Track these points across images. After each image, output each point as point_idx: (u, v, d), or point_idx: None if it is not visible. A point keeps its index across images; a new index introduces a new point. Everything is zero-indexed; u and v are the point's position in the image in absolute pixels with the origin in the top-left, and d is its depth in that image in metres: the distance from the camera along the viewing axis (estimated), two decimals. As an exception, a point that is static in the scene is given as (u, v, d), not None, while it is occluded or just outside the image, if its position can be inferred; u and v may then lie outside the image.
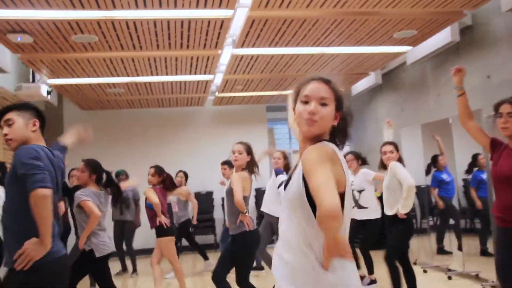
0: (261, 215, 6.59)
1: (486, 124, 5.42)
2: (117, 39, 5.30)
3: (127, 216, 7.15)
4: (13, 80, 7.04)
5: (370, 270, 5.51)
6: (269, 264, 5.49)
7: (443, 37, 5.94)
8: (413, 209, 4.71)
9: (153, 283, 5.25)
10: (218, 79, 7.75)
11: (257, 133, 9.93)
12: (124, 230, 7.18)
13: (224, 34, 5.36)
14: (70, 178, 6.46)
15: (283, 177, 5.19)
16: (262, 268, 6.57)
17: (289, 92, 7.77)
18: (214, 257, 4.18)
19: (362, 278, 5.54)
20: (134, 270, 7.24)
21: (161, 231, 5.14)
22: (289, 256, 1.57)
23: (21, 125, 2.51)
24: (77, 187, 4.52)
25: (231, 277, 3.96)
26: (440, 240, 6.75)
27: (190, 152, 9.62)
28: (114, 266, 7.32)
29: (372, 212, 5.46)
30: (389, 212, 4.45)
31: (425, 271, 6.30)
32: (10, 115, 2.52)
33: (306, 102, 1.64)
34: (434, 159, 6.58)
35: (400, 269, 4.40)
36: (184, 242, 9.14)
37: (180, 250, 7.56)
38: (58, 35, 5.04)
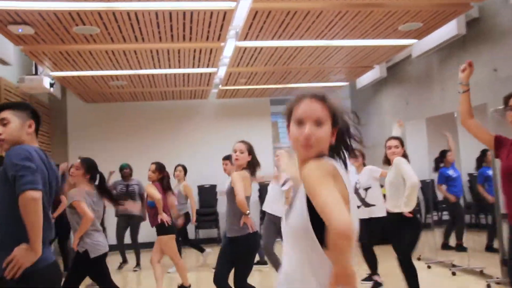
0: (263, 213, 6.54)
1: (492, 118, 5.34)
2: (119, 31, 5.25)
3: (132, 211, 7.13)
4: (16, 72, 7.02)
5: (374, 270, 5.35)
6: (276, 265, 5.39)
7: (449, 29, 5.85)
8: (417, 204, 4.62)
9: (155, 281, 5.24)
10: (221, 72, 7.70)
11: (261, 126, 9.89)
12: (129, 224, 7.17)
13: (227, 26, 5.30)
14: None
15: (286, 174, 5.12)
16: (265, 263, 6.54)
17: (293, 85, 7.71)
18: (217, 252, 4.12)
19: (367, 278, 5.47)
20: (138, 264, 7.23)
21: (162, 229, 5.12)
22: None
23: (17, 125, 2.38)
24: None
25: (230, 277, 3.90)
26: (459, 237, 6.56)
27: (194, 145, 9.59)
28: (115, 259, 7.34)
29: (378, 210, 5.26)
30: (394, 209, 4.34)
31: (429, 267, 6.25)
32: (6, 114, 2.38)
33: (300, 124, 1.54)
34: (442, 155, 6.48)
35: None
36: (189, 235, 9.17)
37: (192, 244, 7.57)
38: (59, 26, 5.00)
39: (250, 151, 3.87)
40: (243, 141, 3.89)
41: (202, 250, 7.40)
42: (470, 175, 6.34)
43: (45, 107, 8.59)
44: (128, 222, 7.16)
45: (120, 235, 7.17)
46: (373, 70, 8.07)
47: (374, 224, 5.24)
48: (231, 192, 3.81)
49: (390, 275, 5.33)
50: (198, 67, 6.99)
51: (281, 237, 1.68)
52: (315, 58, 6.83)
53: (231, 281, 3.86)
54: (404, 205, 4.20)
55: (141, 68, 6.91)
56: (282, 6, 4.79)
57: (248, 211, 3.73)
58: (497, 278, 5.19)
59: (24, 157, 2.23)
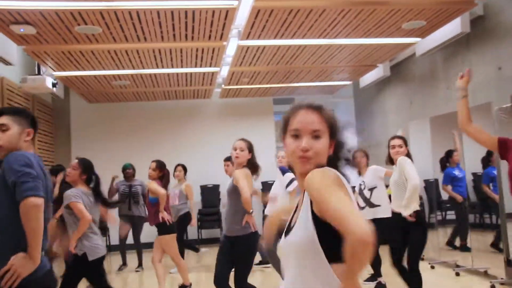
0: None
1: (497, 117, 5.30)
2: (121, 30, 5.24)
3: (135, 212, 7.10)
4: (19, 72, 7.03)
5: (378, 271, 5.29)
6: (278, 269, 5.33)
7: (453, 28, 5.81)
8: (421, 204, 4.56)
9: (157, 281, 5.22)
10: (224, 71, 7.68)
11: (264, 125, 9.87)
12: (132, 225, 7.15)
13: (229, 25, 5.27)
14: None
15: (290, 175, 5.04)
16: (267, 263, 6.51)
17: (296, 84, 7.67)
18: (214, 251, 4.07)
19: (370, 278, 5.43)
20: (140, 264, 7.22)
21: (163, 229, 5.09)
22: None
23: (16, 133, 2.33)
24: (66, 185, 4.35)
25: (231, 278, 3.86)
26: (463, 237, 6.45)
27: (197, 145, 9.58)
28: (118, 260, 7.33)
29: (383, 211, 5.14)
30: (399, 209, 4.24)
31: (432, 267, 6.21)
32: (5, 120, 2.33)
33: (296, 136, 1.47)
34: (448, 155, 6.42)
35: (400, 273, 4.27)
36: (192, 235, 9.17)
37: (185, 244, 7.52)
38: (61, 26, 4.99)
39: (250, 149, 3.80)
40: (243, 139, 3.81)
41: (196, 250, 7.37)
42: (474, 174, 6.29)
43: (48, 107, 8.61)
44: (130, 222, 7.14)
45: (122, 236, 7.16)
46: (377, 69, 8.03)
47: (379, 224, 5.10)
48: (233, 191, 3.74)
49: (391, 275, 5.29)
50: (201, 66, 6.97)
51: None
52: (318, 57, 6.80)
53: (231, 281, 3.83)
54: (404, 208, 4.12)
55: (143, 68, 6.90)
56: (284, 4, 4.76)
57: (252, 210, 3.66)
58: (502, 278, 5.15)
59: (24, 163, 2.21)
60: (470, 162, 6.06)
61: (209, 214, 9.29)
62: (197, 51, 6.20)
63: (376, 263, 5.29)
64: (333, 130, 1.50)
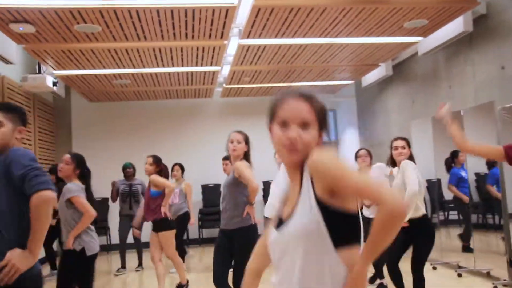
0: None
1: (500, 117, 5.25)
2: (120, 29, 5.21)
3: (136, 211, 7.04)
4: (20, 71, 7.02)
5: (381, 272, 5.22)
6: None
7: (455, 26, 5.76)
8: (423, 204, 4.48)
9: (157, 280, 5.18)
10: (225, 70, 7.66)
11: (265, 125, 9.74)
12: (132, 225, 7.10)
13: (229, 23, 5.24)
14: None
15: None
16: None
17: (298, 84, 7.62)
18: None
19: (371, 279, 5.38)
20: (140, 264, 7.19)
21: (164, 224, 5.02)
22: None
23: (9, 130, 2.30)
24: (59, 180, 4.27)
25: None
26: (467, 238, 6.38)
27: (198, 144, 9.55)
28: (116, 260, 7.30)
29: None
30: (409, 215, 4.08)
31: (434, 268, 6.16)
32: (0, 117, 2.30)
33: (284, 125, 1.39)
34: (454, 155, 6.36)
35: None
36: (193, 235, 9.16)
37: (187, 244, 7.51)
38: (60, 24, 4.97)
39: (247, 141, 3.75)
40: (239, 131, 3.76)
41: (184, 252, 7.29)
42: (477, 174, 6.24)
43: (49, 106, 8.59)
44: (130, 222, 7.07)
45: (122, 236, 7.11)
46: (379, 68, 7.98)
47: None
48: (234, 183, 3.68)
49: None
50: (202, 65, 6.94)
51: None
52: (319, 56, 6.76)
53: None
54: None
55: (144, 67, 6.87)
56: (285, 3, 4.72)
57: (254, 202, 3.64)
58: (505, 280, 5.10)
59: (31, 158, 2.20)
60: (473, 162, 6.01)
61: (210, 213, 9.26)
62: (198, 50, 6.17)
63: (379, 264, 5.24)
64: (322, 121, 1.43)
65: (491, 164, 5.79)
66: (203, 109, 9.85)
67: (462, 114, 5.91)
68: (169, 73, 7.36)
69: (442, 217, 6.95)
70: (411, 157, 4.17)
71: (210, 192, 9.46)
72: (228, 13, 4.91)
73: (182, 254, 6.96)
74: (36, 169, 2.15)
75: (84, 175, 3.80)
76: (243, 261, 3.77)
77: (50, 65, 6.58)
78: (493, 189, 5.70)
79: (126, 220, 7.05)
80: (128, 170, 7.08)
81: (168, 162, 7.05)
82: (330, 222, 1.29)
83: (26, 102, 7.30)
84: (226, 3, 4.69)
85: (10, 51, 5.92)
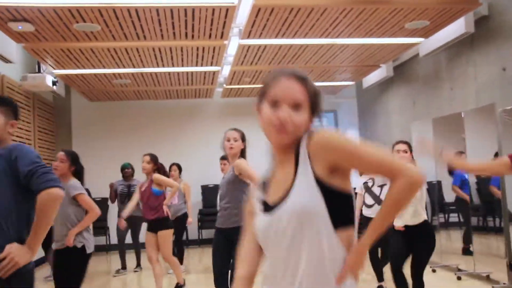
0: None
1: (501, 119, 5.22)
2: (120, 28, 5.19)
3: (134, 212, 6.96)
4: (19, 70, 7.01)
5: (381, 275, 5.20)
6: None
7: (457, 28, 5.72)
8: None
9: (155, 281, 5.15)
10: (226, 70, 7.63)
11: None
12: (131, 225, 7.05)
13: (229, 23, 5.22)
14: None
15: None
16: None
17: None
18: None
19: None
20: (138, 264, 7.17)
21: (165, 223, 5.02)
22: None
23: (1, 124, 2.25)
24: None
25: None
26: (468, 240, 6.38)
27: (198, 145, 9.52)
28: (116, 260, 7.27)
29: None
30: (408, 221, 4.02)
31: (433, 271, 6.13)
32: None
33: (275, 104, 1.33)
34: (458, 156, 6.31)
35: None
36: (192, 235, 9.13)
37: (186, 244, 7.47)
38: (59, 23, 4.95)
39: (243, 138, 3.73)
40: (235, 129, 3.73)
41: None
42: (477, 177, 6.20)
43: (49, 105, 8.58)
44: (129, 223, 7.03)
45: (121, 236, 7.08)
46: (380, 69, 7.95)
47: None
48: (234, 181, 3.66)
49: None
50: (202, 65, 6.92)
51: None
52: (320, 56, 6.73)
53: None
54: (410, 218, 3.95)
55: (144, 67, 6.85)
56: (285, 3, 4.70)
57: None
58: (504, 283, 5.06)
59: (37, 155, 2.20)
60: (473, 164, 5.96)
61: (210, 214, 9.21)
62: (198, 50, 6.14)
63: (379, 267, 5.21)
64: (315, 105, 1.37)
65: None
66: (203, 109, 9.82)
67: (463, 116, 5.87)
68: (169, 73, 7.33)
69: (442, 220, 6.91)
70: (412, 162, 4.12)
71: (210, 193, 9.43)
72: (228, 12, 4.89)
73: (181, 255, 6.95)
74: (44, 166, 2.16)
75: (78, 172, 3.77)
76: None
77: (49, 64, 6.57)
78: (496, 190, 5.66)
79: (124, 220, 7.00)
80: (127, 171, 7.04)
81: (168, 162, 7.05)
82: (329, 202, 1.27)
83: (26, 101, 7.29)
84: (226, 3, 4.66)
85: (10, 50, 5.90)
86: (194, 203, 8.58)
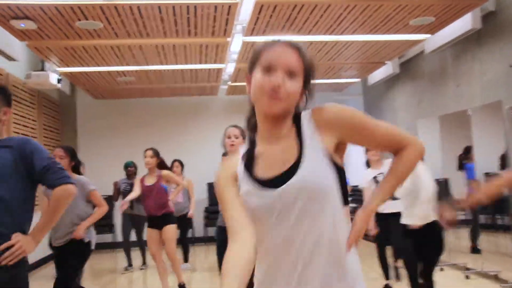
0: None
1: (508, 116, 5.14)
2: (122, 26, 5.17)
3: (135, 210, 6.95)
4: (24, 68, 7.01)
5: (387, 274, 5.14)
6: None
7: (463, 24, 5.63)
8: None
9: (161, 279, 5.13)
10: (230, 68, 7.59)
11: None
12: (134, 224, 7.05)
13: (232, 20, 5.18)
14: None
15: None
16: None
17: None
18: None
19: None
20: (144, 262, 7.16)
21: (172, 218, 5.05)
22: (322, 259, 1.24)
23: None
24: None
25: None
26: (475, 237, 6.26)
27: (203, 142, 9.50)
28: (122, 258, 7.27)
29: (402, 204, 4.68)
30: (412, 221, 3.99)
31: (441, 269, 6.05)
32: None
33: (268, 71, 1.25)
34: (468, 151, 6.21)
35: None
36: (198, 233, 9.13)
37: (192, 242, 7.46)
38: (62, 21, 4.93)
39: (244, 135, 3.66)
40: (236, 126, 3.65)
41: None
42: (486, 174, 6.12)
43: (54, 103, 8.60)
44: (132, 222, 7.01)
45: (125, 234, 7.07)
46: (385, 66, 7.87)
47: (394, 220, 4.54)
48: None
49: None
50: (206, 63, 6.89)
51: None
52: (324, 53, 6.67)
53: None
54: (419, 218, 3.88)
55: (147, 64, 6.83)
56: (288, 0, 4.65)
57: None
58: (512, 282, 5.00)
59: (49, 152, 2.25)
60: (483, 162, 5.88)
61: (216, 212, 9.10)
62: (201, 47, 6.11)
63: (386, 265, 5.15)
64: (308, 77, 1.31)
65: (503, 163, 5.67)
66: (208, 106, 9.80)
67: (469, 113, 5.79)
68: (173, 71, 7.31)
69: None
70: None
71: (214, 191, 9.40)
72: (230, 9, 4.84)
73: (186, 253, 6.96)
74: (57, 163, 2.23)
75: (77, 167, 3.80)
76: None
77: (53, 62, 6.57)
78: None
79: (128, 219, 7.00)
80: (130, 169, 7.01)
81: (173, 159, 7.04)
82: (337, 177, 1.26)
83: (31, 99, 7.31)
84: (227, 0, 4.62)
85: (14, 48, 5.91)
86: (200, 200, 8.58)
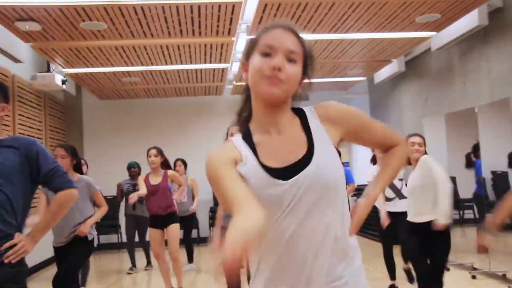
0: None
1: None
2: (126, 26, 5.17)
3: (138, 211, 6.92)
4: (29, 69, 7.03)
5: (393, 274, 5.09)
6: None
7: (469, 20, 5.57)
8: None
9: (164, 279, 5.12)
10: (235, 67, 7.57)
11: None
12: (137, 224, 7.01)
13: (236, 19, 5.16)
14: None
15: None
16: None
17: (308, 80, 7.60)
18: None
19: None
20: (149, 263, 7.14)
21: (175, 217, 5.06)
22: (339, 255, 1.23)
23: None
24: None
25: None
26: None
27: (208, 142, 9.47)
28: (127, 260, 7.26)
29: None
30: (422, 218, 3.85)
31: (448, 269, 5.99)
32: None
33: (268, 55, 1.20)
34: (476, 148, 6.16)
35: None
36: (203, 233, 9.11)
37: (197, 242, 7.45)
38: (66, 22, 4.94)
39: None
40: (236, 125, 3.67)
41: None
42: (493, 173, 6.07)
43: (60, 104, 8.62)
44: (135, 223, 6.98)
45: (129, 235, 7.05)
46: (391, 64, 7.82)
47: (401, 219, 4.44)
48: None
49: (399, 277, 5.14)
50: (210, 62, 6.88)
51: None
52: (329, 52, 6.64)
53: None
54: (442, 215, 3.71)
55: (152, 64, 6.83)
56: (292, -2, 4.62)
57: None
58: (520, 282, 4.94)
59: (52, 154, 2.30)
60: (490, 160, 5.83)
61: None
62: (206, 47, 6.10)
63: (393, 264, 5.10)
64: (307, 63, 1.27)
65: (511, 161, 5.61)
66: (213, 106, 9.78)
67: (476, 111, 5.74)
68: (177, 71, 7.31)
69: (457, 216, 6.78)
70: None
71: (220, 190, 9.39)
72: (234, 9, 4.83)
73: (191, 253, 6.95)
74: (62, 167, 2.27)
75: (78, 165, 3.82)
76: None
77: (58, 63, 6.58)
78: None
79: (131, 220, 6.97)
80: (133, 170, 6.96)
81: (175, 159, 7.03)
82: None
83: (37, 100, 7.32)
84: (231, -1, 4.61)
85: (19, 49, 5.93)
86: (206, 201, 8.57)
